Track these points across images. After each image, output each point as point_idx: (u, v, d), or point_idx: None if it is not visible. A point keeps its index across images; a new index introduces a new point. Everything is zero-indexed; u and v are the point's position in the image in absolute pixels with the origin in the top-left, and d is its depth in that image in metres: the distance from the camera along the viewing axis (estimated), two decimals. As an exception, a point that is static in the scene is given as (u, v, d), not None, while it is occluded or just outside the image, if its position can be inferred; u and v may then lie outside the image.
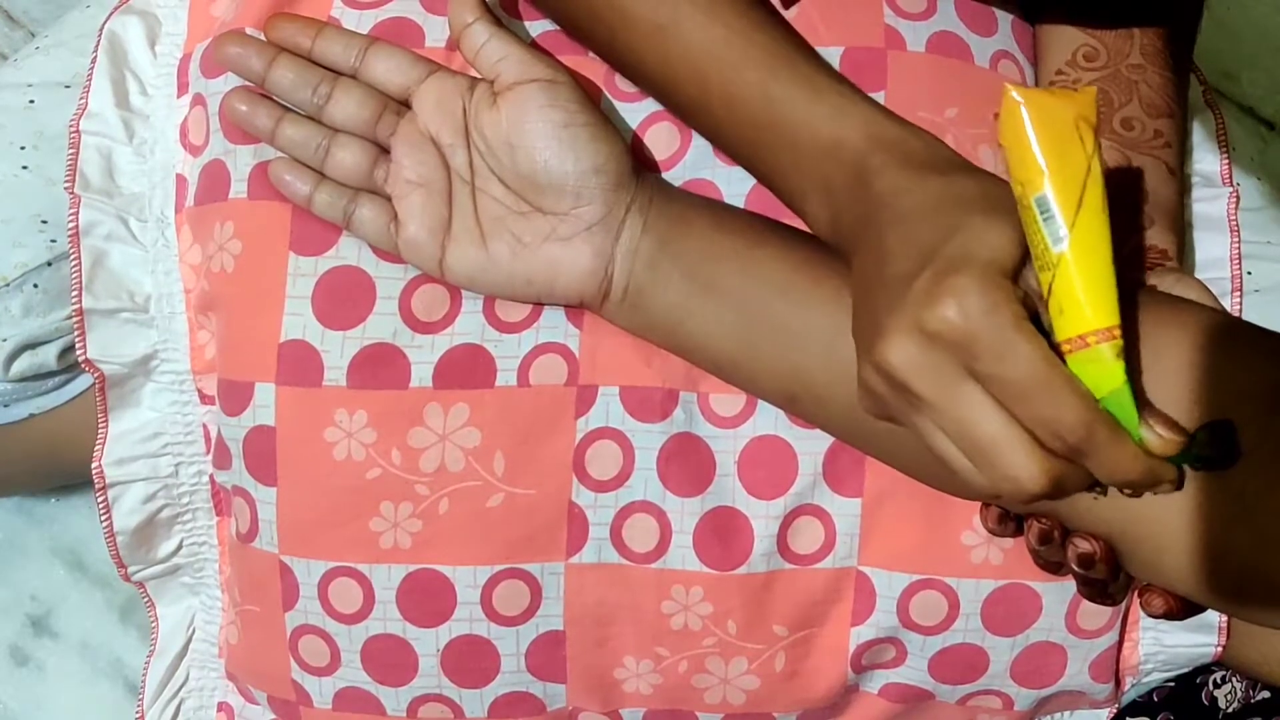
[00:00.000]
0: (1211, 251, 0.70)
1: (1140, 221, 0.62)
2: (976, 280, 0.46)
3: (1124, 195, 0.63)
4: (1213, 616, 0.68)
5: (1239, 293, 0.69)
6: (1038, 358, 0.46)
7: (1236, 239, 0.70)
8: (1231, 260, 0.69)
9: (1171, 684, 0.75)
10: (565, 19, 0.62)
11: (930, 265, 0.48)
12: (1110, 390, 0.47)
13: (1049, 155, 0.46)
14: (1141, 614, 0.67)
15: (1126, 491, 0.51)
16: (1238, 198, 0.70)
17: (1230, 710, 0.76)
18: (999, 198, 0.49)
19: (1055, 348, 0.47)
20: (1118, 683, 0.69)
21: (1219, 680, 0.76)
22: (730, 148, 0.59)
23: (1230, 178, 0.71)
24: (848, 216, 0.54)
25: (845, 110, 0.54)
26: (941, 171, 0.51)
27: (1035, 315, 0.47)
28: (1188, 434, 0.48)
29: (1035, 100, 0.47)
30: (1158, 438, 0.48)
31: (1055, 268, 0.46)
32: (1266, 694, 0.76)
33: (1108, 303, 0.47)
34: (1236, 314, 0.68)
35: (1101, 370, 0.47)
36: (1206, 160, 0.72)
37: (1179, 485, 0.50)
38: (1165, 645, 0.68)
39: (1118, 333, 0.47)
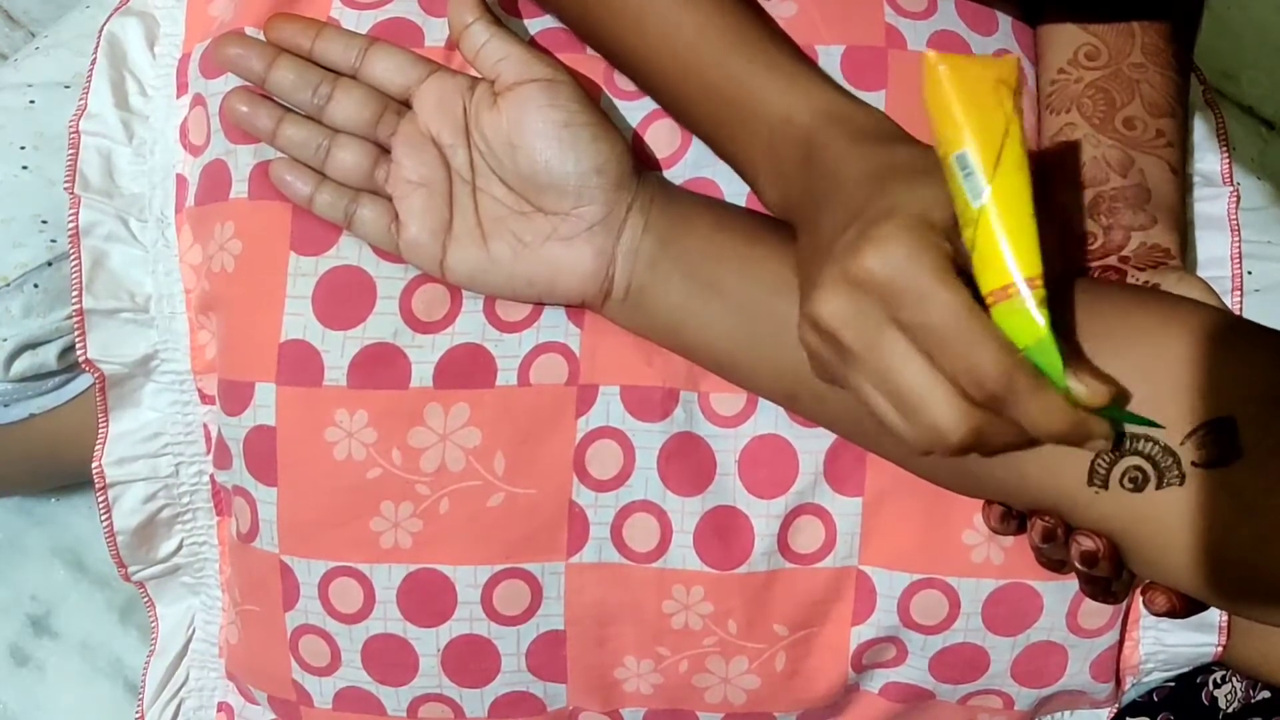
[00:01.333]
0: (1212, 251, 0.70)
1: (1142, 220, 0.63)
2: (900, 230, 0.47)
3: (1125, 192, 0.63)
4: (1213, 616, 0.68)
5: (1239, 291, 0.69)
6: (957, 304, 0.47)
7: (1237, 238, 0.70)
8: (1232, 259, 0.69)
9: (1171, 684, 0.75)
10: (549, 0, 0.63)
11: (858, 221, 0.49)
12: (1034, 340, 0.47)
13: (967, 115, 0.48)
14: (1142, 613, 0.67)
15: (1128, 487, 0.52)
16: (1238, 197, 0.70)
17: (1230, 710, 0.76)
18: (932, 165, 0.50)
19: (981, 302, 0.48)
20: (1118, 682, 0.69)
21: (1219, 680, 0.76)
22: (696, 125, 0.60)
23: (1231, 177, 0.71)
24: (795, 192, 0.55)
25: (797, 87, 0.56)
26: (882, 143, 0.53)
27: (966, 276, 0.48)
28: (1116, 386, 0.49)
29: (955, 64, 0.48)
30: (1084, 388, 0.48)
31: (976, 223, 0.47)
32: (1266, 694, 0.76)
33: (1029, 254, 0.47)
34: (1237, 313, 0.68)
35: (1025, 321, 0.47)
36: (1207, 160, 0.72)
37: (1113, 443, 0.50)
38: (1166, 644, 0.68)
39: (1039, 283, 0.47)
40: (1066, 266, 0.62)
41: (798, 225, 0.55)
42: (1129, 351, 0.52)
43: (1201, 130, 0.73)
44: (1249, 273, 0.70)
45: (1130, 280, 0.61)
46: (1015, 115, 0.48)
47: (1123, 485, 0.52)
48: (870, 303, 0.48)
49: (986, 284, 0.48)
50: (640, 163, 0.62)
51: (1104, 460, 0.52)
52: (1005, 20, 0.68)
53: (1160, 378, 0.51)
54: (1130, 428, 0.51)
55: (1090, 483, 0.52)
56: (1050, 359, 0.48)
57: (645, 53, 0.59)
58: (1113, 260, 0.62)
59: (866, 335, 0.48)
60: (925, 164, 0.51)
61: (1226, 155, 0.72)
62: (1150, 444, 0.51)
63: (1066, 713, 0.72)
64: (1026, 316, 0.47)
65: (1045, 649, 0.65)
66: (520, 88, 0.59)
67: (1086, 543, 0.54)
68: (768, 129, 0.56)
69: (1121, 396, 0.50)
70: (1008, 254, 0.47)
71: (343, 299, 0.62)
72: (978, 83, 0.48)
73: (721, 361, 0.60)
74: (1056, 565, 0.58)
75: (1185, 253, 0.66)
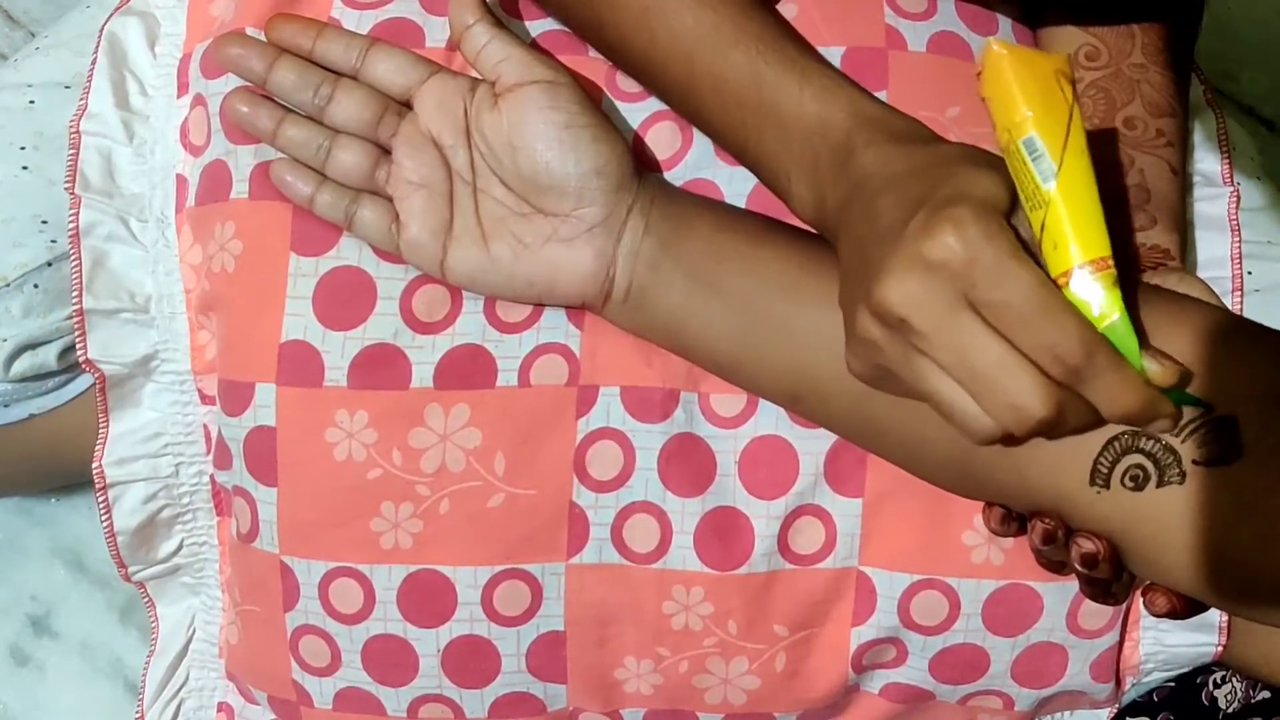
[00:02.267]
0: (1213, 251, 0.70)
1: (1142, 221, 0.63)
2: (973, 211, 0.47)
3: (1124, 195, 0.63)
4: (1213, 616, 0.68)
5: (1239, 292, 0.69)
6: (1036, 282, 0.47)
7: (1237, 238, 0.70)
8: (1232, 260, 0.69)
9: (1171, 684, 0.75)
10: (553, 3, 0.62)
11: (925, 207, 0.48)
12: (1109, 319, 0.48)
13: (1032, 101, 0.48)
14: (1142, 613, 0.68)
15: (1129, 485, 0.52)
16: (1238, 197, 0.70)
17: (1230, 710, 0.76)
18: (983, 156, 0.51)
19: (1053, 284, 0.48)
20: (1118, 682, 0.69)
21: (1219, 680, 0.76)
22: (715, 130, 0.60)
23: (1231, 177, 0.71)
24: (832, 195, 0.54)
25: (831, 92, 0.55)
26: (924, 141, 0.53)
27: (1033, 259, 0.48)
28: (1185, 366, 0.49)
29: (1016, 52, 0.49)
30: (1159, 366, 0.48)
31: (1046, 205, 0.48)
32: (1266, 694, 0.76)
33: (1099, 235, 0.48)
34: (1237, 313, 0.68)
35: (1100, 300, 0.48)
36: (1207, 160, 0.72)
37: (1176, 424, 0.50)
38: (1166, 645, 0.68)
39: (1111, 263, 0.48)
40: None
41: (837, 226, 0.55)
42: None
43: (1202, 130, 0.73)
44: (1249, 273, 0.70)
45: None
46: (1076, 104, 0.49)
47: (1124, 484, 0.52)
48: (944, 284, 0.47)
49: (1057, 265, 0.48)
50: (641, 164, 0.62)
51: (1106, 459, 0.52)
52: (1005, 22, 0.68)
53: None
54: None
55: (1092, 482, 0.52)
56: (1127, 337, 0.48)
57: (656, 56, 0.58)
58: None
59: (941, 317, 0.48)
60: (978, 156, 0.51)
61: (1227, 156, 0.72)
62: (1151, 442, 0.51)
63: (1066, 713, 0.72)
64: (1102, 296, 0.48)
65: (1045, 649, 0.65)
66: (521, 89, 0.59)
67: (1086, 545, 0.54)
68: (801, 133, 0.56)
69: (1187, 377, 0.50)
70: (1079, 236, 0.48)
71: (343, 299, 0.62)
72: (1038, 71, 0.49)
73: (723, 363, 0.60)
74: (1057, 567, 0.58)
75: (1185, 253, 0.66)
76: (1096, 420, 0.50)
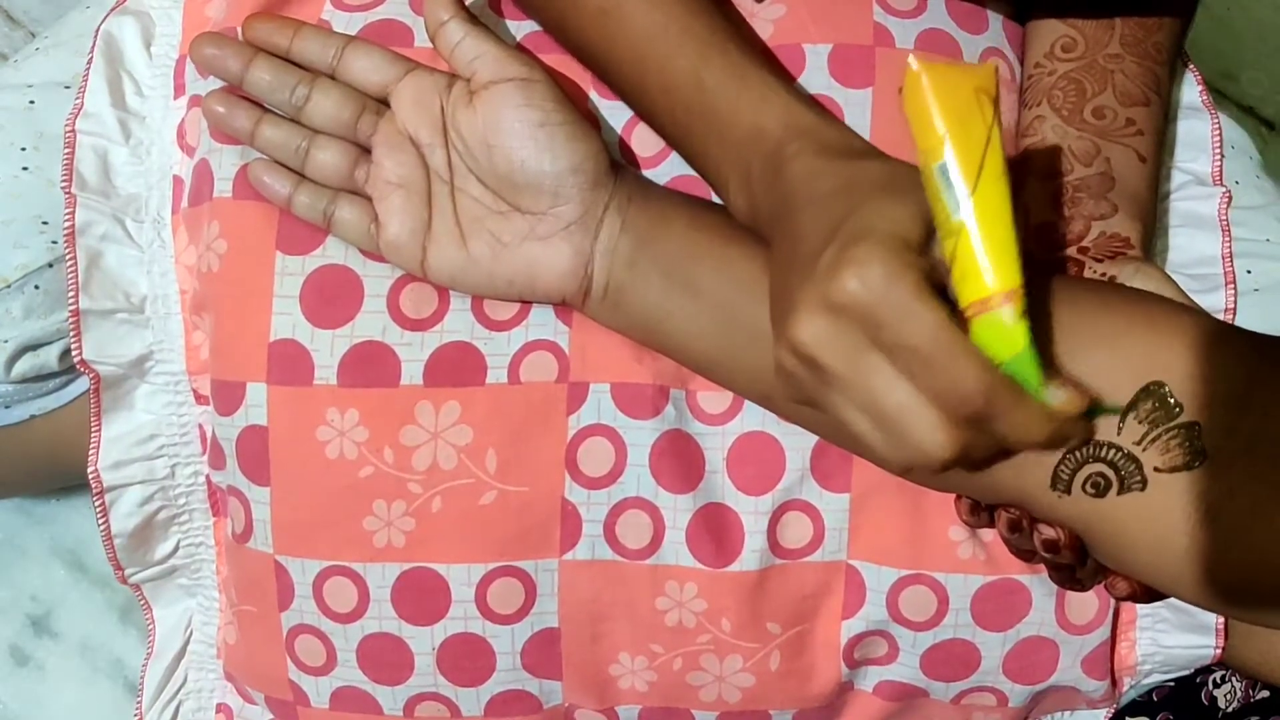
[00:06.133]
0: (1204, 250, 0.70)
1: (1103, 209, 0.62)
2: (877, 250, 0.47)
3: (1088, 181, 0.63)
4: (1210, 618, 0.67)
5: (1232, 286, 0.68)
6: (936, 325, 0.46)
7: (1228, 238, 0.69)
8: (1224, 258, 0.69)
9: (1171, 684, 0.75)
10: (524, 2, 0.63)
11: (834, 241, 0.48)
12: (1014, 353, 0.47)
13: (949, 124, 0.47)
14: (1139, 614, 0.67)
15: (1090, 492, 0.52)
16: (1229, 197, 0.70)
17: (1230, 710, 0.76)
18: (904, 178, 0.50)
19: (960, 315, 0.47)
20: (1114, 682, 0.69)
21: (1219, 680, 0.76)
22: (666, 134, 0.60)
23: (1222, 177, 0.71)
24: (764, 204, 0.54)
25: (768, 99, 0.55)
26: (852, 157, 0.52)
27: (944, 288, 0.48)
28: (1091, 392, 0.49)
29: (935, 71, 0.47)
30: (1062, 396, 0.48)
31: (957, 234, 0.47)
32: (1266, 693, 0.76)
33: (1010, 266, 0.47)
34: (1231, 309, 0.68)
35: (1005, 333, 0.47)
36: (1200, 160, 0.72)
37: (1090, 438, 0.50)
38: (1163, 646, 0.68)
39: (1020, 295, 0.47)
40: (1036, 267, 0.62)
41: (768, 236, 0.55)
42: (1091, 355, 0.51)
43: (1199, 131, 0.72)
44: (1248, 271, 0.70)
45: (1088, 272, 0.61)
46: (995, 124, 0.47)
47: (1085, 490, 0.51)
48: (850, 326, 0.47)
49: (966, 296, 0.47)
50: (619, 161, 0.62)
51: (1067, 466, 0.51)
52: (996, 19, 0.68)
53: (1123, 383, 0.50)
54: (1099, 430, 0.51)
55: (1053, 487, 0.52)
56: (1029, 371, 0.47)
57: (613, 59, 0.59)
58: (1072, 251, 0.62)
59: (847, 358, 0.48)
60: (897, 178, 0.50)
61: (1219, 156, 0.71)
62: (1113, 450, 0.51)
63: (1065, 713, 0.72)
64: (1007, 329, 0.47)
65: (1036, 644, 0.65)
66: (495, 86, 0.59)
67: (1048, 531, 0.54)
68: (736, 141, 0.56)
69: (1096, 401, 0.50)
70: (989, 267, 0.47)
71: (330, 298, 0.62)
72: (958, 91, 0.47)
73: (699, 361, 0.60)
74: (1027, 555, 0.58)
75: (1149, 243, 0.65)
76: (1010, 452, 0.50)
